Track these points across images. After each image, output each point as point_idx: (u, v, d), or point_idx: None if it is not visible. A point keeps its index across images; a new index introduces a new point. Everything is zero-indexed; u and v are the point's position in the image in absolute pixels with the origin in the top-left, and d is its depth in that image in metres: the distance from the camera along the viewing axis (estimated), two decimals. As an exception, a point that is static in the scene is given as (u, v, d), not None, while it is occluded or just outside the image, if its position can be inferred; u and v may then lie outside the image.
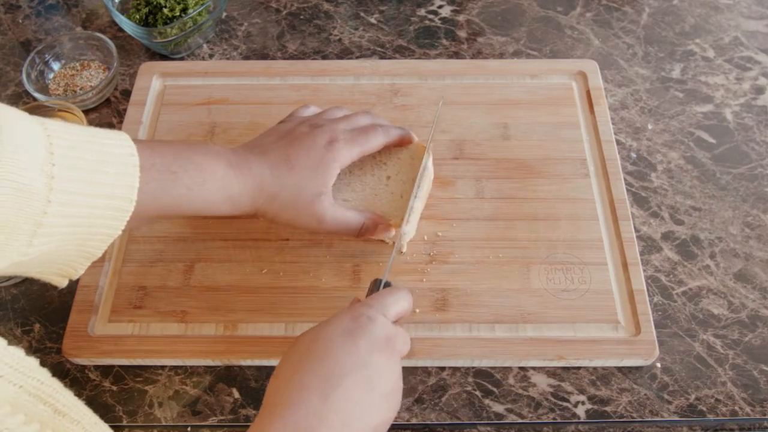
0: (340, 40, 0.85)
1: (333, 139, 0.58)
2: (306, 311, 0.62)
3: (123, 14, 0.80)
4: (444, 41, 0.85)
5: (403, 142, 0.64)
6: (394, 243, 0.63)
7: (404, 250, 0.65)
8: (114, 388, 0.60)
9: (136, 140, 0.50)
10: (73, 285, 0.64)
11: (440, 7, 0.89)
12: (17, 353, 0.39)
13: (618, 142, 0.73)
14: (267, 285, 0.63)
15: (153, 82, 0.78)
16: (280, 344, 0.60)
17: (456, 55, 0.83)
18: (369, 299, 0.51)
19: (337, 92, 0.77)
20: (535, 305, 0.62)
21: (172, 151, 0.53)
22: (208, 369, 0.61)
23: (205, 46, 0.85)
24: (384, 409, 0.47)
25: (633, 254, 0.64)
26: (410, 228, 0.62)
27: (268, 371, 0.61)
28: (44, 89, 0.79)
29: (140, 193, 0.49)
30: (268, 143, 0.59)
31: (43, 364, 0.60)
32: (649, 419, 0.58)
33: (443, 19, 0.87)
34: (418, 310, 0.62)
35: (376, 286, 0.55)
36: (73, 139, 0.46)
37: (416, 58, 0.82)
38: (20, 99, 0.80)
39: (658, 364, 0.60)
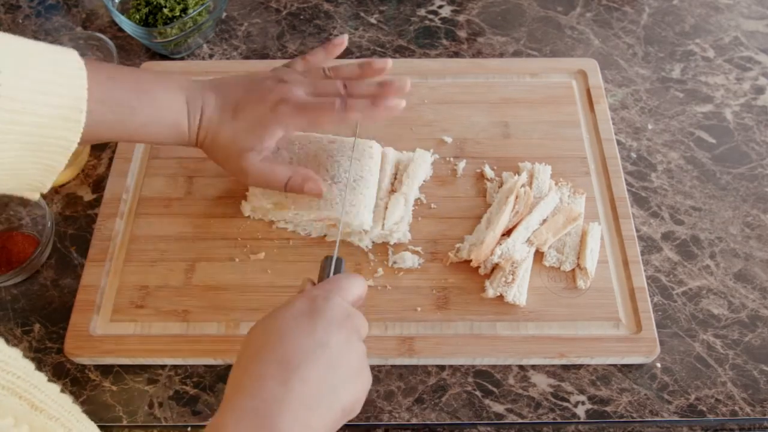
0: (340, 40, 0.85)
1: (283, 100, 0.59)
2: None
3: (123, 14, 0.80)
4: (444, 41, 0.85)
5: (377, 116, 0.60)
6: (340, 223, 0.61)
7: (367, 245, 0.65)
8: (114, 388, 0.60)
9: (94, 62, 0.54)
10: (75, 284, 0.64)
11: (440, 7, 0.89)
12: None
13: (618, 142, 0.73)
14: (268, 284, 0.64)
15: (153, 82, 0.78)
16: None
17: (456, 55, 0.83)
18: (323, 284, 0.49)
19: (338, 92, 0.77)
20: (536, 303, 0.62)
21: (133, 82, 0.57)
22: (208, 369, 0.61)
23: (205, 46, 0.85)
24: (351, 390, 0.45)
25: (633, 252, 0.64)
26: (359, 220, 0.62)
27: (268, 371, 0.61)
28: (44, 89, 0.79)
29: (98, 123, 0.53)
30: (232, 84, 0.61)
31: (43, 364, 0.61)
32: (649, 419, 0.58)
33: (443, 19, 0.87)
34: (419, 309, 0.62)
35: (327, 263, 0.53)
36: (21, 50, 0.49)
37: (416, 58, 0.82)
38: (20, 99, 0.80)
39: (658, 364, 0.60)
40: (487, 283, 0.62)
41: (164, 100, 0.57)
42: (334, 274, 0.52)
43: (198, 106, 0.59)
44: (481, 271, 0.63)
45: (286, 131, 0.59)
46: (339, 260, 0.53)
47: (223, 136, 0.59)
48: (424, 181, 0.69)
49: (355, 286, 0.50)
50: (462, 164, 0.70)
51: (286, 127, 0.59)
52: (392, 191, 0.67)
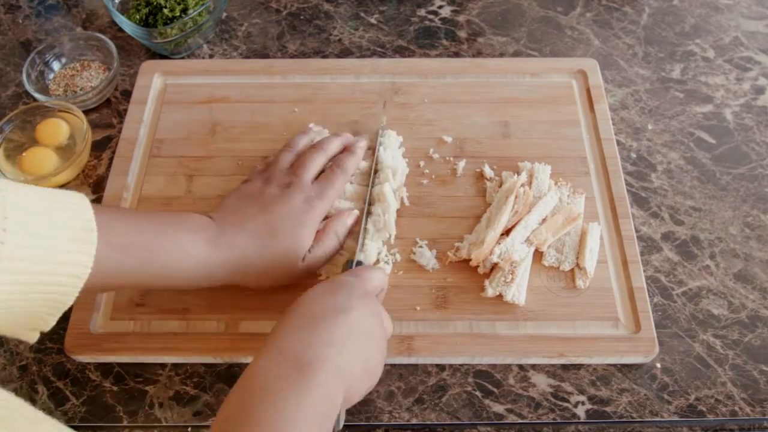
0: (340, 40, 0.85)
1: (308, 198, 0.61)
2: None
3: (123, 14, 0.80)
4: (444, 41, 0.85)
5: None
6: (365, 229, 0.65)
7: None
8: (114, 388, 0.60)
9: (112, 209, 0.52)
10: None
11: (440, 7, 0.89)
12: None
13: (618, 143, 0.73)
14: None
15: (154, 80, 0.79)
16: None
17: (456, 55, 0.83)
18: (346, 273, 0.54)
19: (338, 91, 0.77)
20: (535, 302, 0.62)
21: (152, 226, 0.53)
22: (208, 369, 0.61)
23: (205, 46, 0.85)
24: (371, 349, 0.49)
25: (633, 252, 0.64)
26: (364, 256, 0.63)
27: (268, 371, 0.61)
28: (44, 89, 0.79)
29: (119, 269, 0.50)
30: (244, 212, 0.59)
31: (43, 364, 0.61)
32: (649, 419, 0.58)
33: (443, 20, 0.87)
34: (418, 308, 0.62)
35: (348, 265, 0.58)
36: (28, 206, 0.45)
37: (416, 58, 0.82)
38: (20, 99, 0.80)
39: (658, 365, 0.60)
40: (487, 282, 0.62)
41: (186, 241, 0.54)
42: None
43: (222, 244, 0.56)
44: (481, 271, 0.63)
45: (320, 219, 0.62)
46: (360, 262, 0.58)
47: (270, 259, 0.58)
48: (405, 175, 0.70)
49: (375, 277, 0.54)
50: (462, 164, 0.70)
51: (320, 217, 0.62)
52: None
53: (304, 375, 0.43)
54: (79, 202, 0.48)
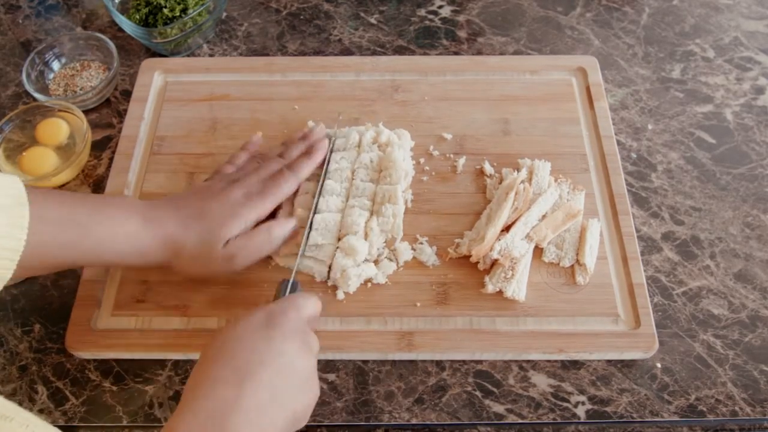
0: (340, 40, 0.85)
1: (248, 193, 0.60)
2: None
3: (123, 14, 0.80)
4: (444, 41, 0.85)
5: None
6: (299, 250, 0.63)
7: (339, 296, 0.63)
8: (114, 388, 0.60)
9: (47, 189, 0.52)
10: (75, 284, 0.64)
11: (440, 7, 0.89)
12: None
13: (618, 143, 0.73)
14: (269, 279, 0.64)
15: (154, 78, 0.79)
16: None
17: (456, 55, 0.83)
18: (281, 300, 0.52)
19: (338, 88, 0.77)
20: (535, 299, 0.62)
21: (87, 204, 0.55)
22: (208, 369, 0.61)
23: (205, 46, 0.85)
24: (301, 398, 0.48)
25: (633, 248, 0.64)
26: (314, 264, 0.63)
27: (268, 371, 0.61)
28: (44, 89, 0.79)
29: (54, 245, 0.51)
30: (185, 198, 0.60)
31: (43, 364, 0.61)
32: (649, 419, 0.58)
33: (443, 20, 0.87)
34: (419, 304, 0.62)
35: (283, 286, 0.57)
36: None
37: (417, 56, 0.82)
38: (20, 99, 0.80)
39: (658, 365, 0.60)
40: (487, 278, 0.62)
41: (119, 217, 0.55)
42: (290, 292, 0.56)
43: (155, 222, 0.56)
44: (481, 267, 0.63)
45: (258, 218, 0.60)
46: (295, 283, 0.57)
47: (195, 240, 0.57)
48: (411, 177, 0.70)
49: (309, 305, 0.53)
50: (462, 161, 0.70)
51: (259, 213, 0.60)
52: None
53: None
54: (12, 181, 0.51)
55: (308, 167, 0.66)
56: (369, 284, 0.63)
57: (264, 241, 0.60)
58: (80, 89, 0.79)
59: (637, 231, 0.67)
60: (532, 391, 0.59)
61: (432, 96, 0.76)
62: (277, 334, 0.48)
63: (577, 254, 0.64)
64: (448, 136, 0.73)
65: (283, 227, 0.61)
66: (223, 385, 0.45)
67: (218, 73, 0.79)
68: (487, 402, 0.59)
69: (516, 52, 0.83)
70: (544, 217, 0.65)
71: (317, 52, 0.84)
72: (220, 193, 0.60)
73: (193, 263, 0.58)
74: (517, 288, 0.61)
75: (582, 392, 0.59)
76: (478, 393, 0.59)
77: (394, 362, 0.61)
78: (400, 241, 0.65)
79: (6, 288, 0.65)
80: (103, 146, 0.76)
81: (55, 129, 0.74)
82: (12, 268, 0.49)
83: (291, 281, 0.57)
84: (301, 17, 0.88)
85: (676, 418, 0.58)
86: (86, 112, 0.77)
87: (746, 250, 0.67)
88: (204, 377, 0.46)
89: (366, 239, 0.63)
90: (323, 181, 0.67)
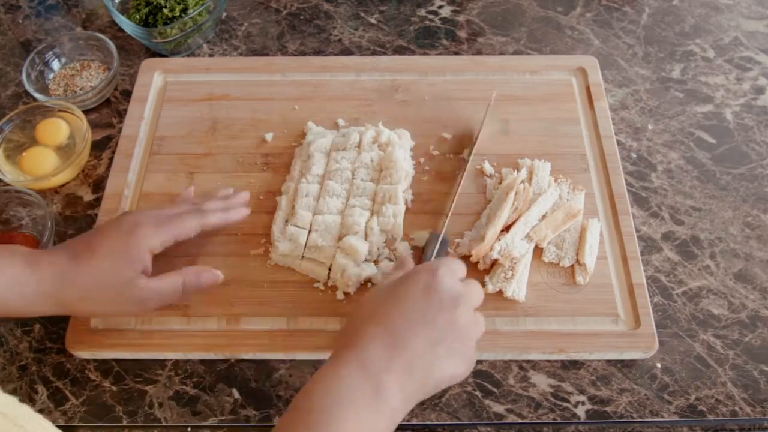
0: (340, 40, 0.85)
1: (137, 223, 0.57)
2: (308, 305, 0.62)
3: (123, 14, 0.80)
4: (444, 41, 0.85)
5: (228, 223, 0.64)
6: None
7: (339, 296, 0.63)
8: (114, 388, 0.60)
9: None
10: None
11: (440, 7, 0.89)
12: None
13: (618, 143, 0.73)
14: (269, 279, 0.64)
15: (154, 78, 0.79)
16: (282, 338, 0.60)
17: (456, 55, 0.83)
18: (439, 262, 0.52)
19: (338, 88, 0.77)
20: (535, 298, 0.62)
21: None
22: (208, 369, 0.61)
23: (205, 46, 0.85)
24: (447, 367, 0.49)
25: (633, 248, 0.64)
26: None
27: (268, 371, 0.61)
28: (44, 89, 0.79)
29: None
30: (77, 238, 0.58)
31: (43, 364, 0.61)
32: (649, 419, 0.58)
33: (443, 20, 0.87)
34: None
35: (434, 237, 0.63)
36: None
37: (417, 56, 0.82)
38: (20, 99, 0.80)
39: (658, 365, 0.60)
40: (487, 278, 0.62)
41: (3, 263, 0.53)
42: (440, 248, 0.62)
43: (40, 263, 0.54)
44: (481, 267, 0.63)
45: (150, 249, 0.57)
46: (445, 239, 0.62)
47: (89, 279, 0.54)
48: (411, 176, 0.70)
49: (461, 269, 0.54)
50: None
51: (150, 245, 0.57)
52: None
53: (381, 401, 0.45)
54: None
55: (217, 217, 0.62)
56: (369, 284, 0.63)
57: (174, 284, 0.57)
58: (80, 89, 0.79)
59: (637, 231, 0.67)
60: (532, 391, 0.59)
61: (432, 96, 0.76)
62: (434, 303, 0.49)
63: (577, 254, 0.64)
64: (448, 136, 0.73)
65: (198, 276, 0.59)
66: (378, 343, 0.47)
67: (218, 73, 0.79)
68: (487, 402, 0.59)
69: (516, 52, 0.83)
70: (544, 217, 0.65)
71: (317, 52, 0.84)
72: (110, 224, 0.58)
73: (93, 303, 0.56)
74: (517, 288, 0.61)
75: (582, 392, 0.59)
76: (478, 393, 0.59)
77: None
78: (401, 241, 0.65)
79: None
80: (103, 146, 0.76)
81: (55, 129, 0.74)
82: None
83: (441, 236, 0.62)
84: (301, 17, 0.88)
85: (676, 418, 0.58)
86: (86, 112, 0.77)
87: (746, 250, 0.67)
88: (360, 333, 0.48)
89: (366, 239, 0.63)
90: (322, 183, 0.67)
